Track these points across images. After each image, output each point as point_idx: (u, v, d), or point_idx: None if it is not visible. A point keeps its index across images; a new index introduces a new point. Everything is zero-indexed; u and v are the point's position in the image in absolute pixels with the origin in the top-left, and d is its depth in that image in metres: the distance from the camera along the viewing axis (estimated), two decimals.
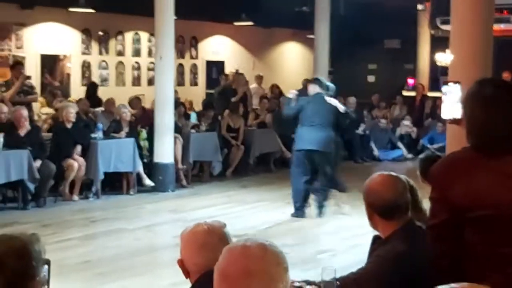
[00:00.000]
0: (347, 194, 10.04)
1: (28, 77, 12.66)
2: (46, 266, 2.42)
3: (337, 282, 3.02)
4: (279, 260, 1.99)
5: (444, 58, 16.58)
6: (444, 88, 7.19)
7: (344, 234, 8.43)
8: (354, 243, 7.13)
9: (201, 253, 2.83)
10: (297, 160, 9.52)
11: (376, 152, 15.74)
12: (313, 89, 9.58)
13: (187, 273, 2.90)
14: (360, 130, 15.80)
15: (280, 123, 13.02)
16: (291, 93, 9.92)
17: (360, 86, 19.09)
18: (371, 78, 20.96)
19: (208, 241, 2.85)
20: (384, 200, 3.24)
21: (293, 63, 19.91)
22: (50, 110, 12.63)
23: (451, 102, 6.95)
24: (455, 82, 6.92)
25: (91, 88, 14.25)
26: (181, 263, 2.91)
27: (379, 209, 3.26)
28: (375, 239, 3.39)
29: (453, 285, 1.58)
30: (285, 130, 12.65)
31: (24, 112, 10.45)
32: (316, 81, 9.84)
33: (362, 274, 3.23)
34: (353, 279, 3.20)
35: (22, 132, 10.18)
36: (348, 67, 19.49)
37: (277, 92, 16.47)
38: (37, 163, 9.96)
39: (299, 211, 9.50)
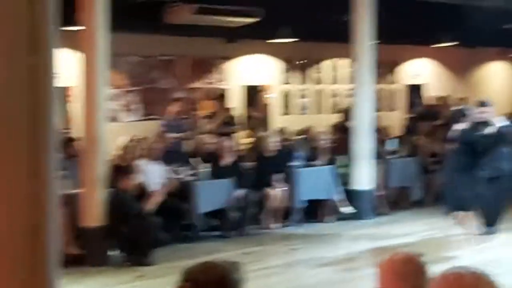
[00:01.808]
0: None
1: (229, 109, 13.21)
2: None
3: None
4: None
5: None
6: None
7: None
8: None
9: (398, 282, 2.85)
10: None
11: None
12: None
13: None
14: None
15: None
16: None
17: None
18: None
19: (405, 270, 2.88)
20: None
21: (498, 84, 19.02)
22: (250, 140, 12.99)
23: None
24: None
25: (347, 115, 14.45)
26: None
27: None
28: None
29: None
30: None
31: (228, 143, 10.90)
32: None
33: None
34: None
35: (226, 162, 10.57)
36: None
37: None
38: (239, 192, 10.29)
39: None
